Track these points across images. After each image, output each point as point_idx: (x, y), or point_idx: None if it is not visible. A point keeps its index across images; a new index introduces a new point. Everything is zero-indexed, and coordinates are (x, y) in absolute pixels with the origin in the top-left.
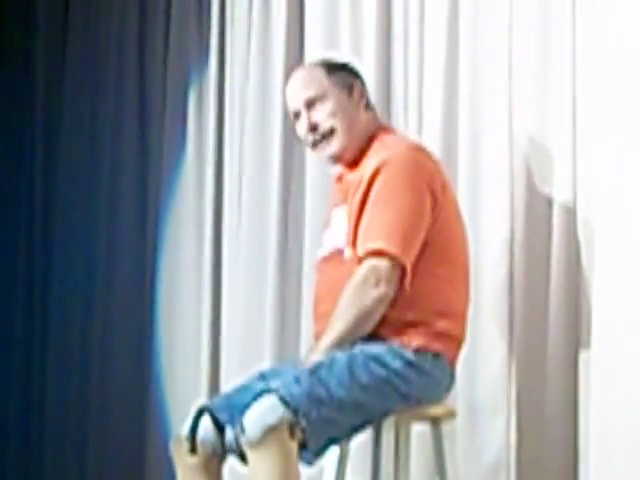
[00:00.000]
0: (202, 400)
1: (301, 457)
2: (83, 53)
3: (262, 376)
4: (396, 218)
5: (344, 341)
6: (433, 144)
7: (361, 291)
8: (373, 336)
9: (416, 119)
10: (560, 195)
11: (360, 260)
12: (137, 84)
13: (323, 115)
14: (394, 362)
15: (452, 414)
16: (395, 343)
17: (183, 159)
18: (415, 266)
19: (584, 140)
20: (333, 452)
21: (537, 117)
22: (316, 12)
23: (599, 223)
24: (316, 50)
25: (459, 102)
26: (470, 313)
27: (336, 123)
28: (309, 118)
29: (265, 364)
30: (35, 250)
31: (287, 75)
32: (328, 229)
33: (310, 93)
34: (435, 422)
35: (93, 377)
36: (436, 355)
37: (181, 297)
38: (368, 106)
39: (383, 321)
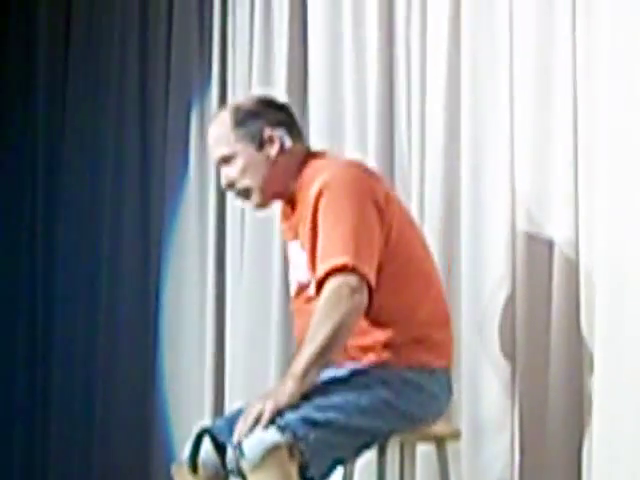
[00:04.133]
0: (205, 420)
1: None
2: (84, 75)
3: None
4: (347, 233)
5: (321, 360)
6: (435, 155)
7: (335, 304)
8: (362, 354)
9: (418, 130)
10: (561, 237)
11: (320, 282)
12: (139, 107)
13: (234, 173)
14: (390, 382)
15: (457, 434)
16: (389, 364)
17: (186, 181)
18: (386, 284)
19: (586, 183)
20: (337, 474)
21: (537, 162)
22: (318, 34)
23: (600, 266)
24: (318, 68)
25: (461, 118)
26: (472, 333)
27: (248, 181)
28: (226, 175)
29: (270, 382)
30: (37, 263)
31: (289, 91)
32: (290, 265)
33: (220, 152)
34: (440, 442)
35: (97, 400)
36: (431, 370)
37: (185, 318)
38: (284, 148)
39: (367, 349)
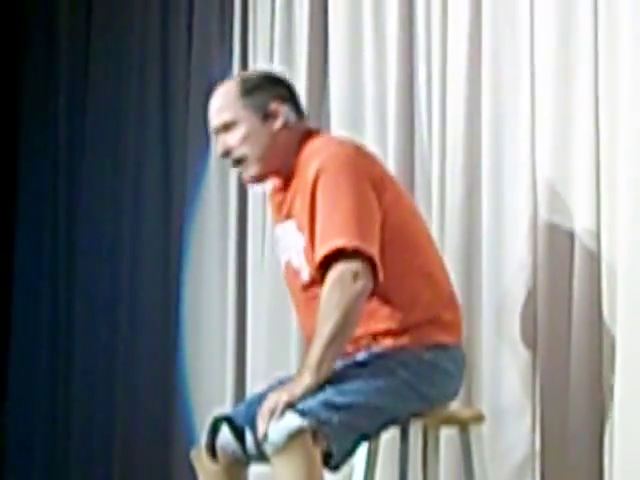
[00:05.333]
0: (227, 408)
1: (326, 463)
2: (106, 61)
3: (282, 383)
4: (347, 214)
5: (333, 349)
6: (455, 144)
7: (340, 291)
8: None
9: (439, 119)
10: (582, 227)
11: (321, 263)
12: (160, 94)
13: (234, 141)
14: (408, 363)
15: (480, 418)
16: (405, 346)
17: (206, 169)
18: (388, 267)
19: (608, 174)
20: (361, 457)
21: (559, 151)
22: (339, 19)
23: (622, 256)
24: (339, 55)
25: (482, 107)
26: (493, 318)
27: (247, 150)
28: (223, 143)
29: (292, 368)
30: (59, 265)
31: (310, 82)
32: (277, 246)
33: (223, 118)
34: (463, 426)
35: (118, 385)
36: (445, 347)
37: (206, 303)
38: (287, 124)
39: (381, 334)
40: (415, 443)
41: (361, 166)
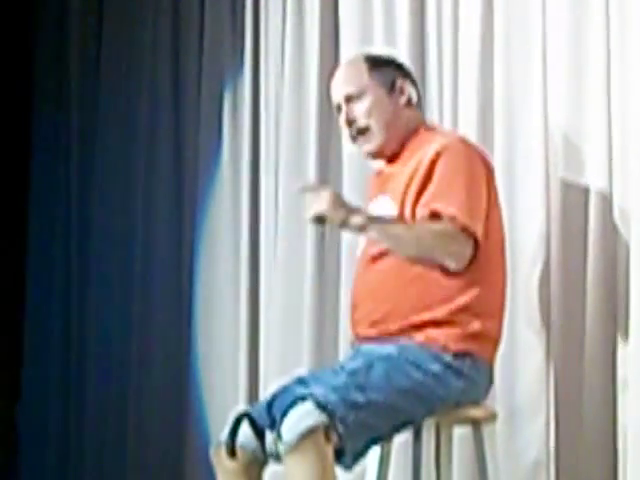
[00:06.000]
0: (241, 406)
1: (340, 461)
2: (117, 57)
3: (301, 381)
4: (464, 195)
5: (387, 236)
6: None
7: (438, 235)
8: (411, 331)
9: (450, 115)
10: (596, 185)
11: (434, 215)
12: (171, 88)
13: (360, 112)
14: (433, 366)
15: (493, 416)
16: (434, 346)
17: (219, 163)
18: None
19: (620, 127)
20: (374, 456)
21: (572, 105)
22: (350, 12)
23: (636, 212)
24: (350, 50)
25: (494, 95)
26: (507, 314)
27: (371, 122)
28: (347, 113)
29: (303, 369)
30: (71, 262)
31: (321, 76)
32: None
33: (349, 89)
34: (476, 424)
35: (131, 385)
36: (474, 358)
37: (219, 302)
38: (411, 103)
39: (415, 328)
40: (428, 442)
41: (478, 161)
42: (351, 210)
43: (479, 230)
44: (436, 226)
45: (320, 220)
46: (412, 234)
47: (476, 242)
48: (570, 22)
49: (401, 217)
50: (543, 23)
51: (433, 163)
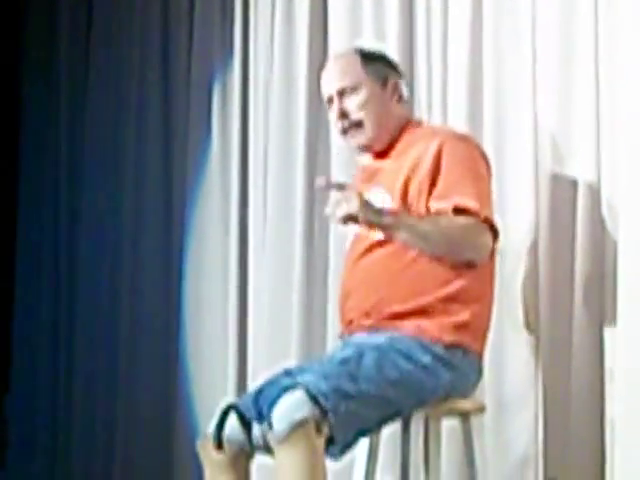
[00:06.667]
0: (230, 398)
1: (328, 452)
2: (106, 53)
3: (288, 372)
4: (479, 188)
5: (417, 236)
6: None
7: (467, 231)
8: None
9: (440, 110)
10: (584, 178)
11: (457, 211)
12: (161, 80)
13: (354, 105)
14: (424, 357)
15: (482, 409)
16: (424, 337)
17: (208, 156)
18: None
19: (608, 122)
20: (363, 447)
21: (561, 99)
22: (339, 5)
23: (624, 206)
24: (340, 43)
25: (483, 90)
26: (495, 307)
27: (365, 115)
28: (340, 105)
29: (292, 362)
30: (60, 254)
31: (311, 69)
32: None
33: (344, 83)
34: (465, 417)
35: (120, 377)
36: (465, 350)
37: (207, 296)
38: (401, 99)
39: (404, 315)
40: (417, 433)
41: (478, 153)
42: (380, 211)
43: (495, 220)
44: (461, 220)
45: (350, 219)
46: (441, 231)
47: (494, 232)
48: (559, 17)
49: (409, 210)
50: (532, 18)
51: (438, 156)
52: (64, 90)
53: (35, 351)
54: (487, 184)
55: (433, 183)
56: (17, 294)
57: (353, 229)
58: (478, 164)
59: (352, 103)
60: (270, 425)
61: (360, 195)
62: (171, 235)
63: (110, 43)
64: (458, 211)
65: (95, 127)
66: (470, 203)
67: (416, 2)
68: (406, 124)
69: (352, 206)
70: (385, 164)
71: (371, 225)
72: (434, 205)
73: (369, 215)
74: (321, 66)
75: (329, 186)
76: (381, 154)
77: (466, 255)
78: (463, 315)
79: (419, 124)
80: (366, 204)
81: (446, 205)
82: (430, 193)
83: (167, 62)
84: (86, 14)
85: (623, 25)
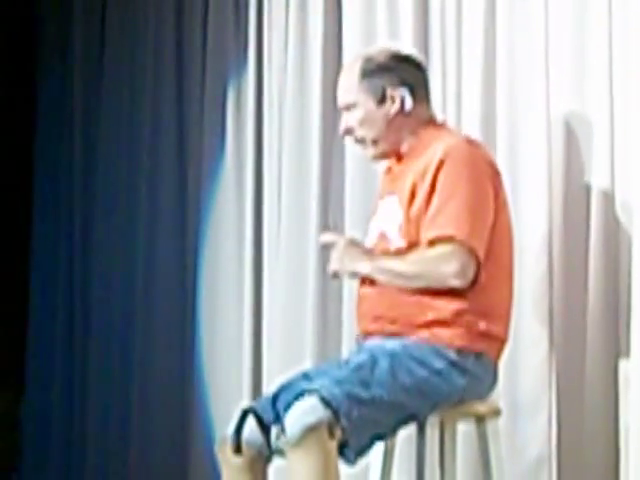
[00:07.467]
0: (245, 402)
1: (343, 456)
2: (120, 56)
3: (305, 376)
4: (462, 208)
5: (390, 277)
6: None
7: (436, 260)
8: (416, 328)
9: (454, 108)
10: (598, 179)
11: (432, 243)
12: (175, 87)
13: (354, 122)
14: (437, 362)
15: (497, 412)
16: (438, 343)
17: (222, 161)
18: (484, 265)
19: (622, 125)
20: (378, 451)
21: (575, 100)
22: (353, 7)
23: (638, 207)
24: (354, 46)
25: (497, 89)
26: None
27: (365, 133)
28: (345, 121)
29: (307, 364)
30: (75, 255)
31: (325, 75)
32: (373, 217)
33: (344, 100)
34: (480, 420)
35: (135, 381)
36: (478, 355)
37: (222, 299)
38: (404, 109)
39: (421, 326)
40: (432, 437)
41: (485, 166)
42: (358, 257)
43: (478, 244)
44: (431, 252)
45: (335, 276)
46: (412, 269)
47: (476, 256)
48: (573, 13)
49: (405, 247)
50: (546, 15)
51: (437, 172)
52: (77, 94)
53: (50, 356)
54: (482, 203)
55: (429, 201)
56: (32, 300)
57: (373, 226)
58: (477, 182)
59: (353, 119)
60: (283, 429)
61: (340, 248)
62: (185, 241)
63: (124, 54)
64: (433, 241)
65: (109, 132)
66: (445, 231)
67: (430, 4)
68: (422, 126)
69: (332, 263)
70: (404, 167)
71: (350, 276)
72: (422, 233)
73: (346, 268)
74: (335, 69)
75: (326, 245)
76: (401, 157)
77: (442, 284)
78: (479, 326)
79: (439, 125)
80: (345, 254)
81: (425, 235)
82: (426, 211)
83: (181, 68)
84: (100, 13)
85: (637, 25)
